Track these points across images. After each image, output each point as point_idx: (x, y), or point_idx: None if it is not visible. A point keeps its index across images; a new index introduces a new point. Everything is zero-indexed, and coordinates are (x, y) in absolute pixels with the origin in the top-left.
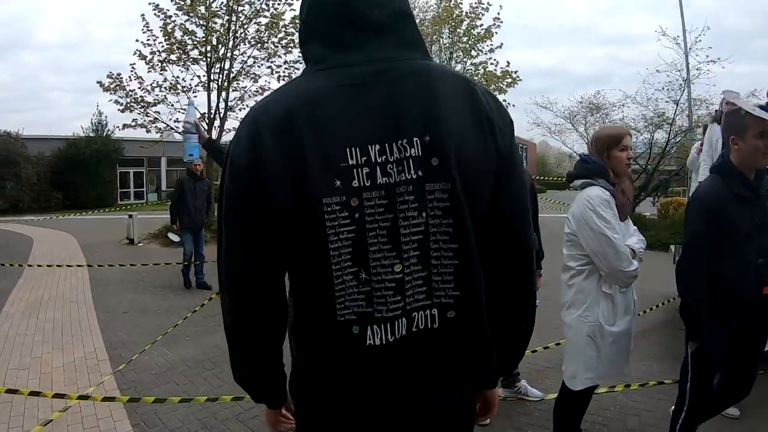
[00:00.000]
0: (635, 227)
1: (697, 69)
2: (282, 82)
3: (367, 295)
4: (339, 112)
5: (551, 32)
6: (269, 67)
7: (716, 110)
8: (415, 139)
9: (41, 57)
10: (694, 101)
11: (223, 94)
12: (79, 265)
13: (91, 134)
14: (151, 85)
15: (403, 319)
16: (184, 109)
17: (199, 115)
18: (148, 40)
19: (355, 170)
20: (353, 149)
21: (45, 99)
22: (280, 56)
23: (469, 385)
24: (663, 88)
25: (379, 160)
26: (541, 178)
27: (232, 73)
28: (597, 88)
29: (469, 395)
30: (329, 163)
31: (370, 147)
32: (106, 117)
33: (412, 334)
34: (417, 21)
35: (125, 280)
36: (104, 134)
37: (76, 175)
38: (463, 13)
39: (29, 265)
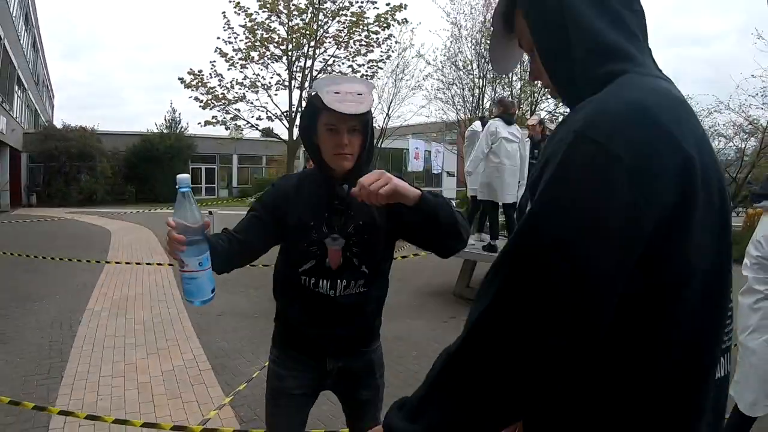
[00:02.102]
0: None
1: None
2: None
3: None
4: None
5: None
6: (350, 66)
7: None
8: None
9: (115, 56)
10: None
11: (304, 92)
12: (159, 264)
13: (165, 130)
14: (230, 82)
15: None
16: (264, 107)
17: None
18: (229, 37)
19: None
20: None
21: (119, 96)
22: (364, 55)
23: None
24: (757, 94)
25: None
26: None
27: (314, 71)
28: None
29: None
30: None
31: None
32: (179, 114)
33: None
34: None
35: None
36: (178, 130)
37: (149, 169)
38: None
39: (107, 262)
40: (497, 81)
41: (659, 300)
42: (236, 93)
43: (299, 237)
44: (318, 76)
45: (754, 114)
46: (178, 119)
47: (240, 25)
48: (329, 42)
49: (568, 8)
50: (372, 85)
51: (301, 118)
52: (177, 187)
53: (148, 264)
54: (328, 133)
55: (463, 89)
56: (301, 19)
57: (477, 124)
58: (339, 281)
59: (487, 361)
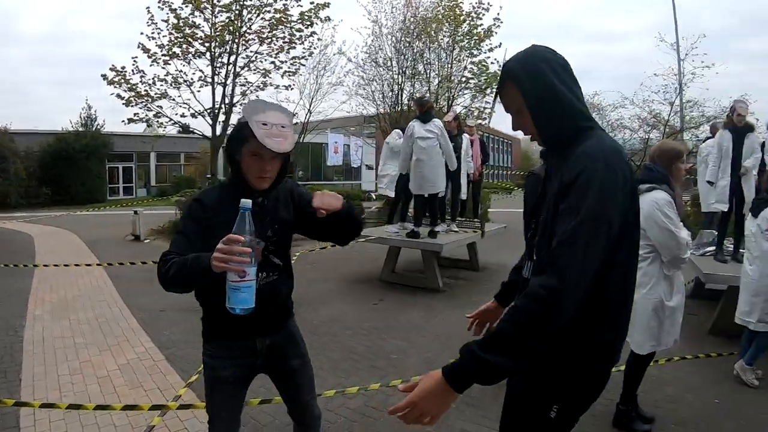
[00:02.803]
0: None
1: (692, 74)
2: (287, 78)
3: None
4: None
5: (536, 30)
6: (272, 62)
7: (727, 116)
8: None
9: (22, 50)
10: (687, 103)
11: (228, 89)
12: (98, 264)
13: (81, 129)
14: (152, 79)
15: None
16: (186, 104)
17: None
18: (152, 33)
19: None
20: None
21: (28, 93)
22: (287, 52)
23: None
24: (659, 91)
25: None
26: (524, 173)
27: (238, 67)
28: (582, 82)
29: None
30: None
31: None
32: (95, 111)
33: None
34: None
35: (148, 278)
36: (94, 128)
37: (65, 170)
38: (464, 13)
39: (46, 265)
40: (415, 77)
41: (612, 252)
42: (158, 89)
43: None
44: (241, 72)
45: (656, 108)
46: (93, 116)
47: (163, 20)
48: (253, 38)
49: (555, 92)
50: (292, 114)
51: (229, 138)
52: (240, 207)
53: (88, 265)
54: (252, 159)
55: (382, 85)
56: (227, 16)
57: (395, 135)
58: (259, 274)
59: (579, 279)
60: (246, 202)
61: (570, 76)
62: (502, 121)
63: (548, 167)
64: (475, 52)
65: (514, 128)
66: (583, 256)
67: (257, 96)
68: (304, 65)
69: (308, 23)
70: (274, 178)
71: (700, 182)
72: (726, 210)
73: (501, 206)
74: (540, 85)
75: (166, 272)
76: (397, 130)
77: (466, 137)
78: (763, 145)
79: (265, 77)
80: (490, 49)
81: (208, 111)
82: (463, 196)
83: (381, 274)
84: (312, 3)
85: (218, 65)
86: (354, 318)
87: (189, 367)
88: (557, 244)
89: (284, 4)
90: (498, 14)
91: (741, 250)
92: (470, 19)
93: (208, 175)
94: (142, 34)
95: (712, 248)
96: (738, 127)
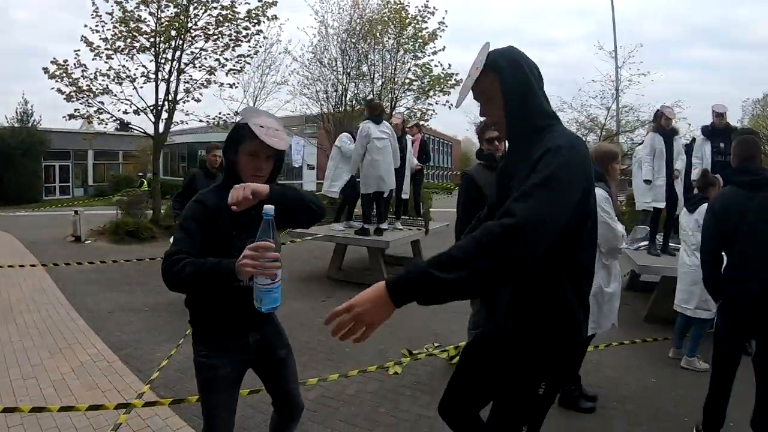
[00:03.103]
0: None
1: (629, 80)
2: (231, 76)
3: None
4: None
5: (479, 35)
6: (217, 59)
7: (654, 121)
8: None
9: None
10: (623, 108)
11: (172, 85)
12: (43, 265)
13: (16, 125)
14: (93, 73)
15: None
16: (128, 100)
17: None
18: (96, 26)
19: None
20: None
21: None
22: (232, 50)
23: None
24: (596, 96)
25: None
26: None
27: (182, 63)
28: None
29: None
30: None
31: None
32: (32, 106)
33: None
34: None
35: (93, 279)
36: (30, 124)
37: None
38: (410, 16)
39: None
40: (360, 78)
41: (578, 226)
42: (100, 84)
43: (225, 246)
44: (185, 69)
45: (593, 113)
46: (30, 112)
47: (107, 13)
48: (199, 35)
49: (531, 89)
50: (279, 119)
51: (226, 139)
52: (263, 214)
53: (33, 266)
54: (248, 158)
55: (327, 85)
56: (173, 11)
57: (346, 139)
58: None
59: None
60: (269, 209)
61: (540, 77)
62: (441, 122)
63: (507, 162)
64: (420, 55)
65: (481, 114)
66: (540, 208)
67: (201, 93)
68: (249, 63)
69: (255, 21)
70: (267, 177)
71: (634, 182)
72: (662, 207)
73: (441, 206)
74: (521, 80)
75: (178, 272)
76: (347, 134)
77: (409, 138)
78: (689, 147)
79: (210, 74)
80: (434, 52)
81: (151, 108)
82: (405, 195)
83: (328, 271)
84: (260, 1)
85: (162, 61)
86: (306, 314)
87: (145, 367)
88: (515, 198)
89: (232, 1)
90: (443, 18)
91: (671, 244)
92: (416, 22)
93: (140, 174)
94: (85, 26)
95: (645, 243)
96: (666, 130)
